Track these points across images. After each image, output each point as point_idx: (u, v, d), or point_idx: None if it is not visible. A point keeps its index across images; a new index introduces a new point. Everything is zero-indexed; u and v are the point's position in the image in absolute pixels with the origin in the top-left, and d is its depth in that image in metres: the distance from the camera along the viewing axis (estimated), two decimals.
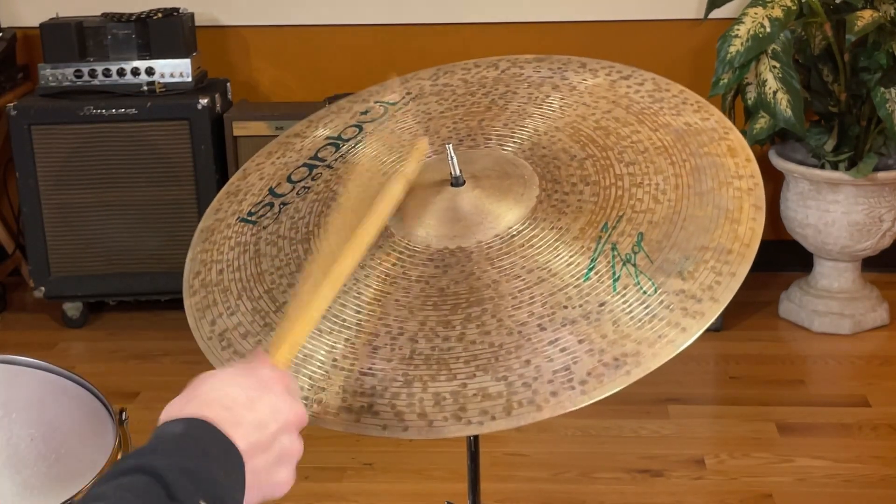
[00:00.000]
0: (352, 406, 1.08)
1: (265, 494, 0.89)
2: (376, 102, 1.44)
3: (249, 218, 1.32)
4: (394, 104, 1.43)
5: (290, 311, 1.02)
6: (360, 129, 1.40)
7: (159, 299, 3.33)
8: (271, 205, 1.32)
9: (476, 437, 1.38)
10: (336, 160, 1.36)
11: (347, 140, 1.39)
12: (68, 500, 1.22)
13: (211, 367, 1.10)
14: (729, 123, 1.25)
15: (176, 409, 0.88)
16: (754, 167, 1.19)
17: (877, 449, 2.61)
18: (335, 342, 1.13)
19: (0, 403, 1.39)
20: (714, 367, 3.06)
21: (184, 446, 0.83)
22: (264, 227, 1.29)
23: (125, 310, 3.41)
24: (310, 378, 1.11)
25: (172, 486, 0.79)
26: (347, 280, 1.06)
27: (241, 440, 0.86)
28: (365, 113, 1.43)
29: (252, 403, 0.89)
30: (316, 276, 1.04)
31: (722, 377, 3.02)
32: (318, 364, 1.12)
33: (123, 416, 1.35)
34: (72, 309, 3.36)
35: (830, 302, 3.20)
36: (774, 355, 3.09)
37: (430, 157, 1.31)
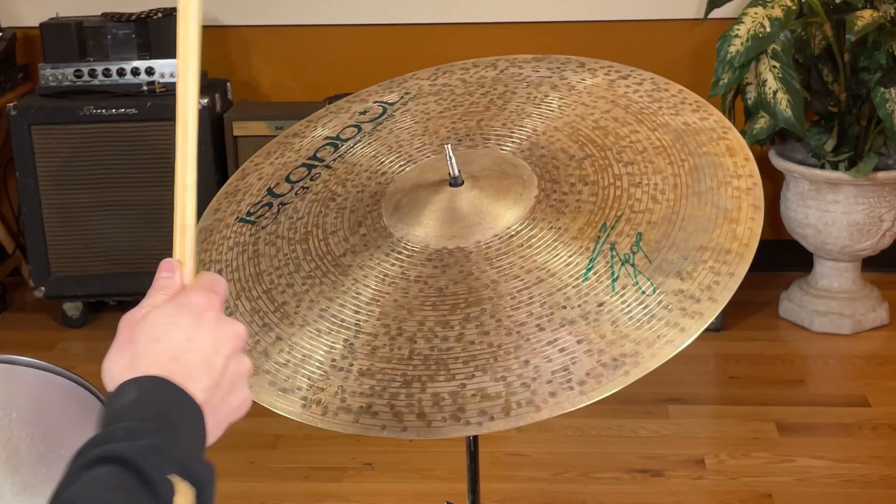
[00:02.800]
0: (350, 406, 1.08)
1: (229, 420, 0.87)
2: (375, 102, 1.44)
3: (248, 218, 1.32)
4: (393, 104, 1.43)
5: (180, 219, 0.97)
6: (359, 129, 1.40)
7: None
8: (270, 205, 1.32)
9: (476, 437, 1.38)
10: (335, 160, 1.36)
11: (346, 140, 1.39)
12: None
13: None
14: (728, 123, 1.25)
15: (122, 365, 0.85)
16: (753, 167, 1.19)
17: (877, 449, 2.60)
18: (334, 342, 1.13)
19: (0, 403, 1.39)
20: (714, 367, 3.05)
21: (144, 421, 0.80)
22: (263, 228, 1.29)
23: (125, 310, 3.38)
24: (308, 378, 1.11)
25: (142, 469, 0.76)
26: (192, 156, 0.98)
27: (196, 390, 0.84)
28: (364, 113, 1.43)
29: (194, 344, 0.86)
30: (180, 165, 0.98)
31: (722, 377, 3.02)
32: (317, 364, 1.12)
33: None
34: (72, 309, 3.35)
35: (830, 302, 3.20)
36: (774, 355, 3.09)
37: (425, 152, 1.31)
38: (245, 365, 0.89)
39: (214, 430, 0.85)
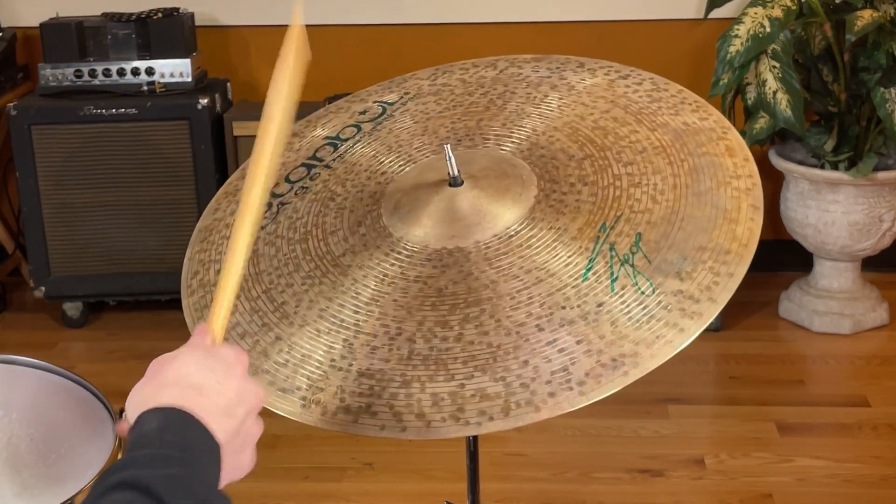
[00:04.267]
0: (350, 407, 1.08)
1: (231, 478, 0.89)
2: (375, 102, 1.44)
3: None
4: (392, 104, 1.43)
5: (222, 284, 0.98)
6: (359, 128, 1.40)
7: (159, 299, 3.33)
8: (269, 205, 1.32)
9: (475, 437, 1.38)
10: (334, 160, 1.36)
11: (346, 140, 1.39)
12: (68, 500, 1.22)
13: None
14: (727, 123, 1.25)
15: (148, 395, 0.86)
16: (752, 167, 1.19)
17: (877, 449, 2.60)
18: (333, 342, 1.13)
19: (0, 403, 1.39)
20: (714, 367, 3.05)
21: (166, 449, 0.82)
22: (262, 228, 1.29)
23: (125, 310, 3.41)
24: (308, 378, 1.11)
25: (162, 497, 0.78)
26: (254, 231, 0.99)
27: (217, 430, 0.86)
28: (363, 113, 1.43)
29: (221, 389, 0.88)
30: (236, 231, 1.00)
31: (722, 377, 3.02)
32: (316, 364, 1.12)
33: (123, 417, 1.35)
34: (72, 309, 3.35)
35: (830, 302, 3.20)
36: (774, 355, 3.09)
37: (424, 152, 1.31)
38: (259, 427, 0.92)
39: (226, 473, 0.87)
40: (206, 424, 0.85)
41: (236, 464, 0.89)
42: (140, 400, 0.87)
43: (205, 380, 0.88)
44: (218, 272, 1.26)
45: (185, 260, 1.31)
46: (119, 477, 0.79)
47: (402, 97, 1.43)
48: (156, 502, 0.78)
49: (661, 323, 1.06)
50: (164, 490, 0.78)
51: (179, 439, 0.83)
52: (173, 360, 0.90)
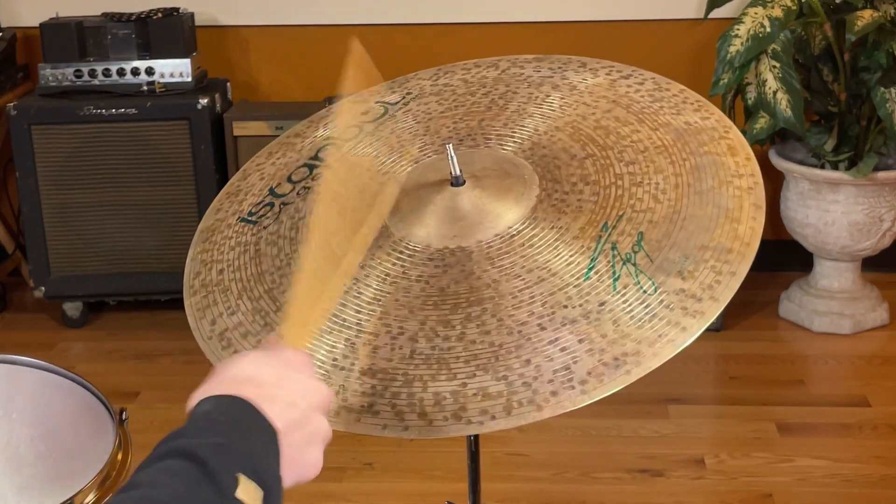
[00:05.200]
0: (352, 406, 1.08)
1: (298, 475, 0.89)
2: (377, 102, 1.44)
3: (250, 218, 1.32)
4: (395, 104, 1.43)
5: (298, 296, 1.00)
6: (360, 129, 1.40)
7: (159, 299, 3.33)
8: (272, 205, 1.32)
9: (476, 436, 1.38)
10: (335, 161, 1.36)
11: (347, 141, 1.39)
12: (68, 500, 1.22)
13: (210, 366, 1.10)
14: (729, 122, 1.25)
15: (205, 390, 0.88)
16: (754, 166, 1.19)
17: (877, 449, 2.60)
18: (335, 342, 1.13)
19: (0, 403, 1.39)
20: (714, 367, 3.06)
21: (215, 422, 0.83)
22: (265, 227, 1.29)
23: (125, 310, 3.41)
24: None
25: (207, 462, 0.79)
26: (355, 272, 1.05)
27: (274, 417, 0.86)
28: (365, 113, 1.43)
29: (281, 382, 0.89)
30: (320, 265, 1.03)
31: (722, 377, 3.02)
32: (319, 364, 1.12)
33: (123, 416, 1.35)
34: (72, 309, 3.35)
35: (830, 302, 3.20)
36: (774, 355, 3.09)
37: (426, 152, 1.31)
38: (326, 427, 0.92)
39: (287, 469, 0.87)
40: (261, 410, 0.85)
41: (301, 460, 0.89)
42: (198, 394, 0.88)
43: (262, 374, 0.89)
44: (220, 272, 1.26)
45: (187, 260, 1.31)
46: (168, 447, 0.81)
47: (403, 97, 1.43)
48: (199, 465, 0.79)
49: (663, 322, 1.06)
50: (207, 455, 0.79)
51: (231, 417, 0.84)
52: (236, 360, 0.91)
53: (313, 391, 0.91)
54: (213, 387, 0.88)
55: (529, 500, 2.46)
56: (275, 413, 0.86)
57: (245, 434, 0.83)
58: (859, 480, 2.48)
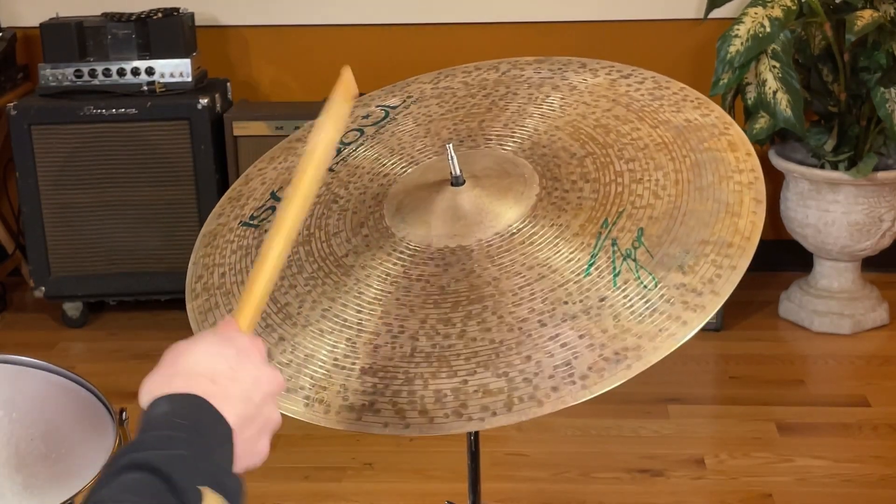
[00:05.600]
0: (353, 405, 1.08)
1: (247, 465, 0.89)
2: (377, 106, 1.45)
3: (251, 222, 1.32)
4: (395, 107, 1.43)
5: (252, 277, 0.99)
6: (362, 132, 1.40)
7: (159, 299, 3.33)
8: (273, 209, 1.32)
9: (476, 436, 1.38)
10: (337, 163, 1.36)
11: (349, 143, 1.39)
12: (68, 500, 1.22)
13: None
14: (729, 119, 1.25)
15: (159, 384, 0.87)
16: (754, 161, 1.20)
17: (877, 449, 2.60)
18: (336, 342, 1.14)
19: (0, 403, 1.39)
20: (714, 367, 3.05)
21: (177, 431, 0.82)
22: (266, 231, 1.29)
23: (125, 310, 3.41)
24: (311, 377, 1.12)
25: (171, 477, 0.78)
26: (295, 232, 1.01)
27: (230, 414, 0.86)
28: (366, 117, 1.43)
29: (235, 374, 0.88)
30: (273, 233, 1.01)
31: (722, 377, 3.02)
32: (320, 363, 1.12)
33: (123, 416, 1.35)
34: (72, 309, 3.35)
35: (830, 302, 3.20)
36: (774, 355, 3.09)
37: (426, 153, 1.31)
38: (276, 415, 0.92)
39: (237, 462, 0.87)
40: (218, 409, 0.85)
41: (252, 449, 0.89)
42: (152, 389, 0.87)
43: (216, 366, 0.88)
44: (222, 275, 1.26)
45: (189, 264, 1.31)
46: (128, 459, 0.80)
47: (404, 101, 1.44)
48: (164, 481, 0.78)
49: (663, 316, 1.06)
50: (172, 469, 0.79)
51: (188, 421, 0.83)
52: (186, 349, 0.90)
53: (266, 381, 0.91)
54: (167, 381, 0.87)
55: (529, 500, 2.46)
56: (230, 412, 0.86)
57: (206, 441, 0.83)
58: (859, 480, 2.48)
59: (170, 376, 0.87)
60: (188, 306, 1.25)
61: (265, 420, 0.90)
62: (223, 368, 0.88)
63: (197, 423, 0.84)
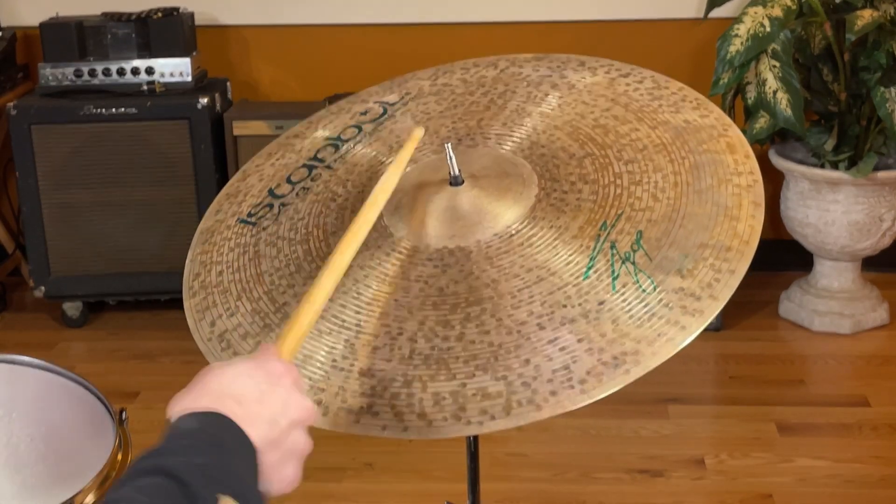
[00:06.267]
0: (351, 407, 1.08)
1: (273, 490, 0.89)
2: (376, 102, 1.44)
3: (249, 219, 1.32)
4: (394, 104, 1.43)
5: (301, 304, 1.01)
6: (360, 129, 1.40)
7: (159, 299, 3.33)
8: (271, 206, 1.32)
9: (476, 436, 1.38)
10: (335, 161, 1.36)
11: (347, 141, 1.39)
12: (68, 500, 1.22)
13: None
14: (728, 120, 1.25)
15: (186, 402, 0.87)
16: (753, 164, 1.19)
17: (877, 449, 2.60)
18: (334, 343, 1.13)
19: (0, 403, 1.39)
20: (714, 367, 3.05)
21: (198, 442, 0.83)
22: (264, 229, 1.29)
23: (125, 309, 3.41)
24: (309, 379, 1.11)
25: (188, 483, 0.78)
26: (346, 270, 1.05)
27: (254, 435, 0.86)
28: (364, 114, 1.43)
29: (263, 398, 0.89)
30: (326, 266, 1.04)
31: (722, 377, 3.02)
32: (318, 365, 1.12)
33: (123, 416, 1.35)
34: (72, 309, 3.35)
35: (830, 302, 3.20)
36: (774, 355, 3.09)
37: (425, 151, 1.31)
38: (306, 442, 0.92)
39: (266, 483, 0.87)
40: (243, 429, 0.85)
41: (279, 476, 0.89)
42: (178, 408, 0.87)
43: (245, 389, 0.88)
44: (219, 273, 1.26)
45: (187, 262, 1.31)
46: (148, 463, 0.80)
47: (402, 97, 1.43)
48: (180, 486, 0.78)
49: (662, 321, 1.06)
50: (191, 477, 0.79)
51: (214, 437, 0.84)
52: (218, 371, 0.91)
53: (295, 407, 0.91)
54: (195, 399, 0.87)
55: (529, 500, 2.46)
56: (254, 433, 0.86)
57: (227, 453, 0.83)
58: (859, 480, 2.48)
59: (197, 396, 0.87)
60: (185, 304, 1.25)
61: (292, 445, 0.90)
62: (251, 391, 0.89)
63: (221, 439, 0.84)
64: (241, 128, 3.21)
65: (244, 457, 0.85)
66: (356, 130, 1.40)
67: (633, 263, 1.11)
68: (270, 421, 0.88)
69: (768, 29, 2.87)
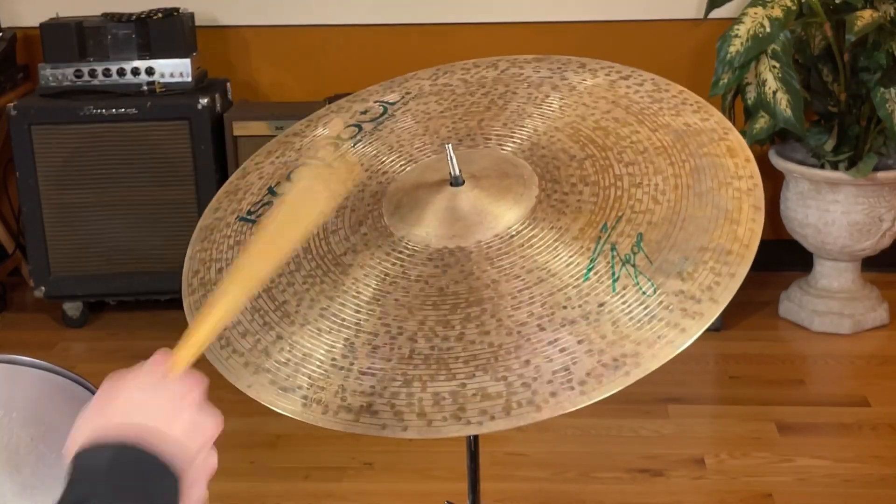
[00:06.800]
0: (351, 406, 1.08)
1: None
2: (375, 102, 1.44)
3: (248, 217, 1.32)
4: (393, 103, 1.43)
5: (201, 311, 0.99)
6: (360, 128, 1.40)
7: (159, 299, 3.33)
8: (270, 203, 1.32)
9: (476, 436, 1.38)
10: (335, 160, 1.36)
11: (346, 140, 1.39)
12: None
13: (209, 366, 1.10)
14: (728, 124, 1.25)
15: (94, 426, 0.86)
16: (753, 168, 1.19)
17: (877, 449, 2.61)
18: (334, 342, 1.13)
19: (0, 403, 1.39)
20: (714, 367, 3.06)
21: (120, 486, 0.81)
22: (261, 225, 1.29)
23: (125, 309, 3.41)
24: (309, 377, 1.11)
25: None
26: (259, 288, 1.01)
27: (172, 463, 0.85)
28: (364, 113, 1.43)
29: (171, 422, 0.88)
30: (232, 278, 1.01)
31: (722, 377, 3.02)
32: (318, 363, 1.12)
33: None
34: (72, 309, 3.36)
35: (830, 302, 3.20)
36: (774, 355, 3.09)
37: (425, 151, 1.31)
38: (212, 461, 0.91)
39: None
40: (160, 458, 0.84)
41: (189, 499, 0.87)
42: (88, 432, 0.86)
43: (154, 412, 0.87)
44: (219, 271, 1.26)
45: (186, 259, 1.31)
46: None
47: (403, 97, 1.43)
48: None
49: (662, 323, 1.06)
50: None
51: (134, 476, 0.83)
52: (123, 390, 0.89)
53: (200, 428, 0.90)
54: (104, 424, 0.86)
55: (529, 500, 2.46)
56: (172, 460, 0.85)
57: (149, 495, 0.82)
58: (859, 480, 2.48)
59: (106, 419, 0.86)
60: (185, 302, 1.25)
61: (200, 468, 0.89)
62: (158, 414, 0.87)
63: (140, 477, 0.83)
64: (241, 128, 3.21)
65: (163, 490, 0.84)
66: (356, 129, 1.40)
67: (634, 266, 1.11)
68: (179, 445, 0.87)
69: (768, 29, 2.87)
